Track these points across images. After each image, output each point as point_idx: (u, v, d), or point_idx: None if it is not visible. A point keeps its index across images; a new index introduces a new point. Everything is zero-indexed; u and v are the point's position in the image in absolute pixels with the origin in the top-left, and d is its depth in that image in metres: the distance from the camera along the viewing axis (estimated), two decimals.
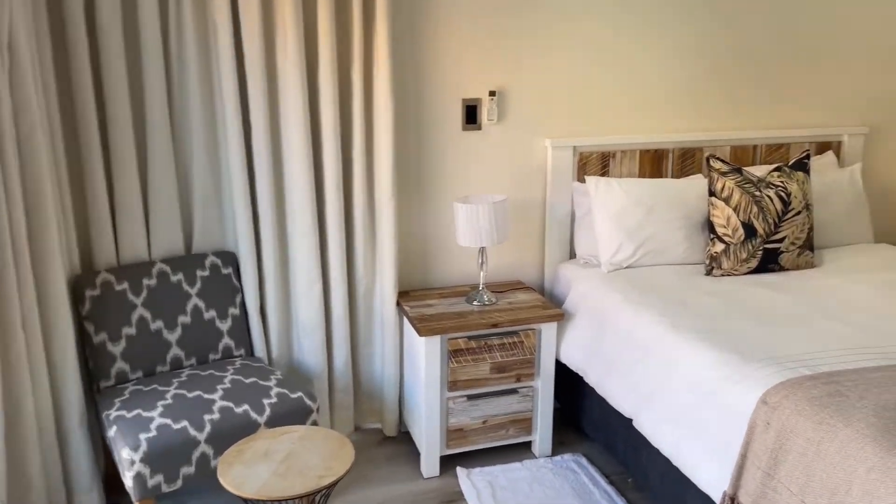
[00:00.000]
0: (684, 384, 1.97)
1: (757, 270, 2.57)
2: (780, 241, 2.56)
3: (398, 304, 2.60)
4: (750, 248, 2.54)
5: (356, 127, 2.46)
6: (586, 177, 2.72)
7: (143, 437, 1.96)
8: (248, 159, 2.40)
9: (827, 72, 3.11)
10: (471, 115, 2.69)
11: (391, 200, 2.52)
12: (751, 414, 1.72)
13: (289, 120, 2.36)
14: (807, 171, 2.68)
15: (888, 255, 2.79)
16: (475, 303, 2.56)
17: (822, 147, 3.13)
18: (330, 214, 2.47)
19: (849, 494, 1.45)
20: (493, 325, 2.42)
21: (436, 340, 2.38)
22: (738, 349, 1.92)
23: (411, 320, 2.44)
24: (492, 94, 2.67)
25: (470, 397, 2.47)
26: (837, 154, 3.17)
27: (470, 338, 2.42)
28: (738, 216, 2.53)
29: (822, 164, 3.03)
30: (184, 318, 2.37)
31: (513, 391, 2.52)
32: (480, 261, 2.56)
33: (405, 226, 2.71)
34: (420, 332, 2.36)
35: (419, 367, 2.45)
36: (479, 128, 2.71)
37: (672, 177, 2.92)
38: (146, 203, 2.35)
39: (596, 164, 2.81)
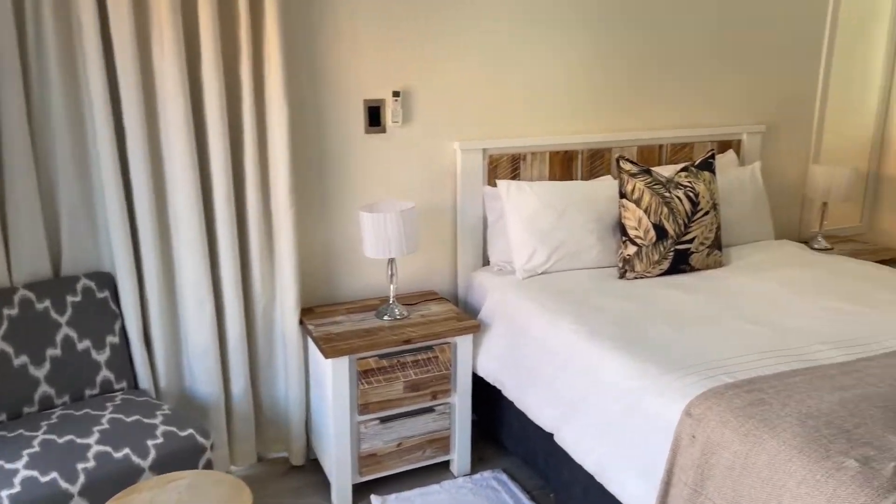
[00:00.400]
0: (606, 396, 1.89)
1: (668, 272, 2.55)
2: (690, 241, 2.55)
3: (301, 322, 2.40)
4: (661, 249, 2.51)
5: (247, 129, 2.24)
6: (497, 180, 2.62)
7: (4, 494, 1.68)
8: (124, 166, 2.14)
9: (727, 72, 3.15)
10: (374, 116, 2.52)
11: (290, 209, 2.32)
12: (675, 426, 1.65)
13: (168, 122, 2.12)
14: (712, 170, 2.68)
15: (790, 251, 2.84)
16: (386, 317, 2.40)
17: (723, 146, 3.18)
18: (220, 225, 2.24)
19: None
20: (405, 342, 2.27)
21: (344, 361, 2.21)
22: (658, 357, 1.86)
23: (316, 341, 2.25)
24: (396, 94, 2.52)
25: (383, 419, 2.31)
26: (737, 152, 3.23)
27: (381, 356, 2.26)
28: (648, 218, 2.50)
29: (723, 163, 3.07)
30: (53, 351, 2.07)
31: (429, 410, 2.37)
32: (390, 272, 2.40)
33: (307, 237, 2.51)
34: (326, 354, 2.17)
35: (326, 390, 2.26)
36: (384, 130, 2.55)
37: (582, 178, 2.87)
38: (4, 220, 2.05)
39: (506, 166, 2.72)
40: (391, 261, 2.39)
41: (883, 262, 3.23)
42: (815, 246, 3.29)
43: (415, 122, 2.59)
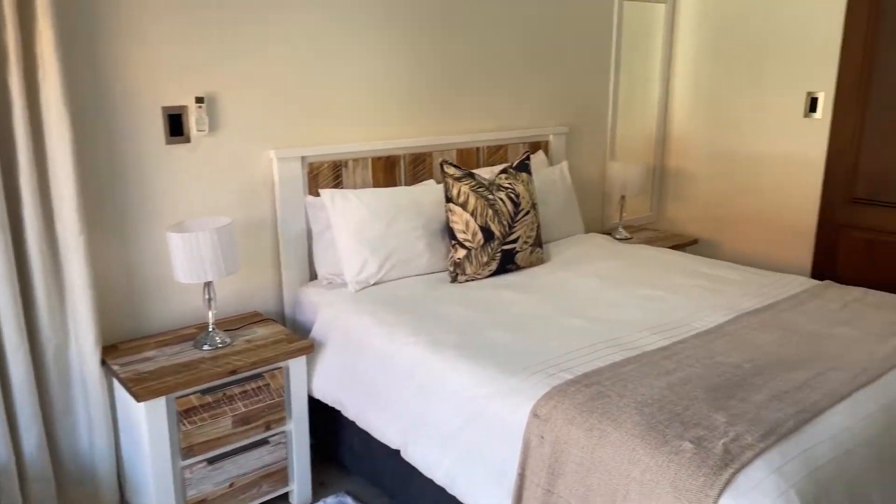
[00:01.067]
0: (452, 406, 1.86)
1: (497, 272, 2.60)
2: (515, 241, 2.61)
3: (104, 362, 2.10)
4: (489, 250, 2.55)
5: (20, 145, 1.90)
6: (321, 190, 2.49)
7: None
8: None
9: (535, 77, 3.30)
10: (175, 125, 2.27)
11: (79, 234, 2.00)
12: (524, 429, 1.66)
13: None
14: (529, 171, 2.78)
15: (599, 242, 3.04)
16: (205, 347, 2.17)
17: (534, 147, 3.32)
18: None
19: (627, 499, 1.44)
20: (230, 373, 2.07)
21: (160, 403, 1.95)
22: (501, 361, 1.86)
23: (124, 382, 1.97)
24: (199, 100, 2.29)
25: (211, 460, 2.08)
26: (546, 153, 3.40)
27: (204, 392, 2.03)
28: (475, 220, 2.52)
29: (535, 164, 3.21)
30: None
31: (262, 442, 2.19)
32: (207, 296, 2.18)
33: (104, 264, 2.19)
34: (138, 397, 1.91)
35: (141, 436, 1.99)
36: (188, 140, 2.31)
37: (405, 184, 2.83)
38: None
39: (328, 174, 2.59)
40: (208, 284, 2.17)
41: (673, 247, 3.59)
42: (617, 236, 3.57)
43: (224, 129, 2.37)
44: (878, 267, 3.12)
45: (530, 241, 2.67)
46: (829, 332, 2.01)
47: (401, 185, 2.81)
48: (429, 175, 2.90)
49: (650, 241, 3.61)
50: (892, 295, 2.31)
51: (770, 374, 1.73)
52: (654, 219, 4.06)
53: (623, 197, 3.61)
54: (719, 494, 1.32)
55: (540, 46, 3.28)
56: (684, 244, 3.67)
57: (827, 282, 2.48)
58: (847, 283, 3.22)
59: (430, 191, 2.67)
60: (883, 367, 1.77)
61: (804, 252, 3.41)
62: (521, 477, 1.65)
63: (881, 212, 3.09)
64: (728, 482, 1.34)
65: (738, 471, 1.36)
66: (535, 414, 1.65)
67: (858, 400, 1.62)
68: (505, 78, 3.18)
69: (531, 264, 2.70)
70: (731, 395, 1.62)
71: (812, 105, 3.28)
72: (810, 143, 3.31)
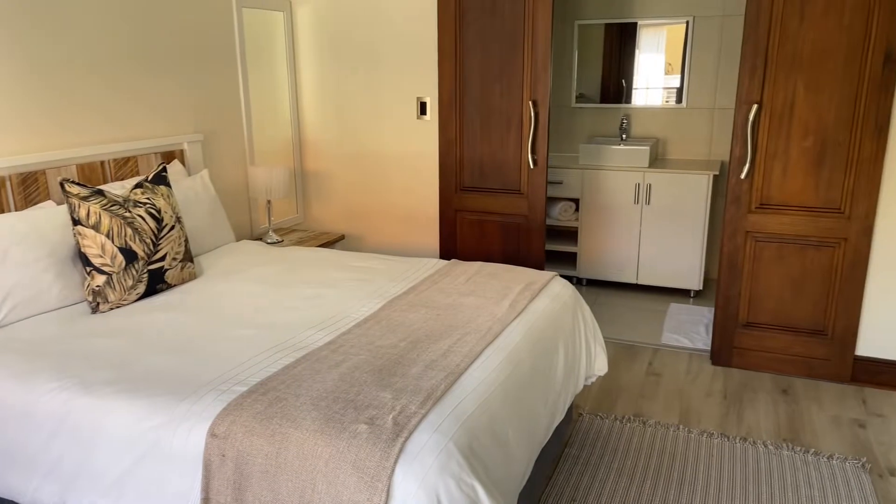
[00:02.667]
0: (117, 447, 1.70)
1: (147, 294, 2.42)
2: (162, 259, 2.47)
3: None
4: (134, 273, 2.36)
5: None
6: None
7: None
8: None
9: (162, 82, 3.11)
10: None
11: None
12: (203, 452, 1.61)
13: None
14: (168, 183, 2.64)
15: (251, 249, 3.05)
16: None
17: (168, 157, 3.15)
18: None
19: (316, 492, 1.52)
20: None
21: None
22: (166, 388, 1.77)
23: None
24: None
25: None
26: (182, 162, 3.25)
27: None
28: (113, 242, 2.31)
29: (172, 175, 3.05)
30: None
31: None
32: None
33: None
34: None
35: None
36: None
37: (17, 209, 2.44)
38: None
39: None
40: None
41: (322, 245, 3.77)
42: (269, 241, 3.61)
43: None
44: (487, 240, 3.75)
45: (179, 256, 2.55)
46: (460, 302, 2.37)
47: (10, 210, 2.41)
48: (46, 196, 2.55)
49: (301, 242, 3.73)
50: (500, 265, 2.81)
51: (422, 348, 1.97)
52: (301, 220, 4.20)
53: (269, 201, 3.65)
54: (395, 463, 1.49)
55: (160, 51, 3.11)
56: (333, 241, 3.88)
57: (453, 260, 2.90)
58: (467, 257, 3.79)
59: (51, 214, 2.35)
60: (502, 325, 2.17)
61: (432, 236, 3.91)
62: (206, 501, 1.60)
63: (483, 196, 3.70)
64: (401, 450, 1.51)
65: (407, 438, 1.54)
66: (212, 434, 1.62)
67: (488, 355, 1.96)
68: (124, 81, 2.94)
69: (184, 280, 2.58)
70: (394, 372, 1.82)
71: (422, 109, 3.76)
72: (426, 141, 3.79)
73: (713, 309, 3.47)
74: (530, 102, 3.47)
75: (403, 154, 3.87)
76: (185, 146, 3.27)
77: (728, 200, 3.25)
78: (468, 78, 3.59)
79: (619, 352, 3.60)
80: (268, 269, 2.77)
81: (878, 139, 2.95)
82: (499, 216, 3.70)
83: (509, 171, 3.63)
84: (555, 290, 2.55)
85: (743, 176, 3.17)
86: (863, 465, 2.55)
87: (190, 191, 2.99)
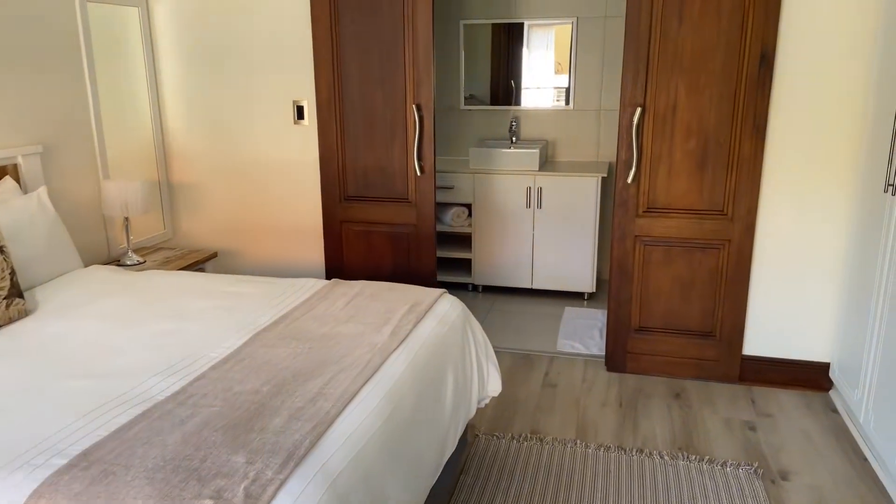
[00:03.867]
0: None
1: None
2: None
3: None
4: None
5: None
6: None
7: None
8: None
9: None
10: None
11: None
12: None
13: None
14: None
15: (102, 276, 2.68)
16: None
17: None
18: None
19: None
20: None
21: None
22: None
23: None
24: None
25: None
26: (17, 179, 2.83)
27: None
28: None
29: (1, 194, 2.64)
30: None
31: None
32: None
33: None
34: None
35: None
36: None
37: None
38: None
39: None
40: None
41: (192, 265, 3.42)
42: (128, 262, 3.23)
43: None
44: (375, 253, 3.53)
45: (4, 292, 2.17)
46: (337, 331, 2.14)
47: None
48: None
49: (167, 262, 3.37)
50: (384, 283, 2.60)
51: (287, 392, 1.73)
52: (169, 236, 3.82)
53: (127, 219, 3.27)
54: None
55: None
56: (204, 259, 3.53)
57: (334, 280, 2.66)
58: (355, 272, 3.55)
59: None
60: (382, 356, 1.96)
61: (317, 250, 3.64)
62: None
63: (369, 206, 3.48)
64: None
65: None
66: None
67: (365, 395, 1.74)
68: None
69: (10, 320, 2.21)
70: (251, 427, 1.57)
71: (300, 113, 3.49)
72: (305, 148, 3.52)
73: (606, 311, 3.43)
74: (414, 106, 3.28)
75: (282, 162, 3.58)
76: (20, 160, 2.85)
77: (616, 204, 3.19)
78: (347, 80, 3.35)
79: (516, 362, 3.48)
80: (115, 301, 2.42)
81: (757, 138, 2.97)
82: (387, 227, 3.49)
83: (396, 178, 3.42)
84: (442, 310, 2.37)
85: (629, 180, 3.11)
86: (755, 471, 2.53)
87: (23, 212, 2.59)
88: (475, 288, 4.60)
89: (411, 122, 3.32)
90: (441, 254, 4.54)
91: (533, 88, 4.61)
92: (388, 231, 3.49)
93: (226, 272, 3.81)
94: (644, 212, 3.17)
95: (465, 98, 4.71)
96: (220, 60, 3.53)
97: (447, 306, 2.41)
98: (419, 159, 3.34)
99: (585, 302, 4.37)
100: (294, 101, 3.48)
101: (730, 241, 3.10)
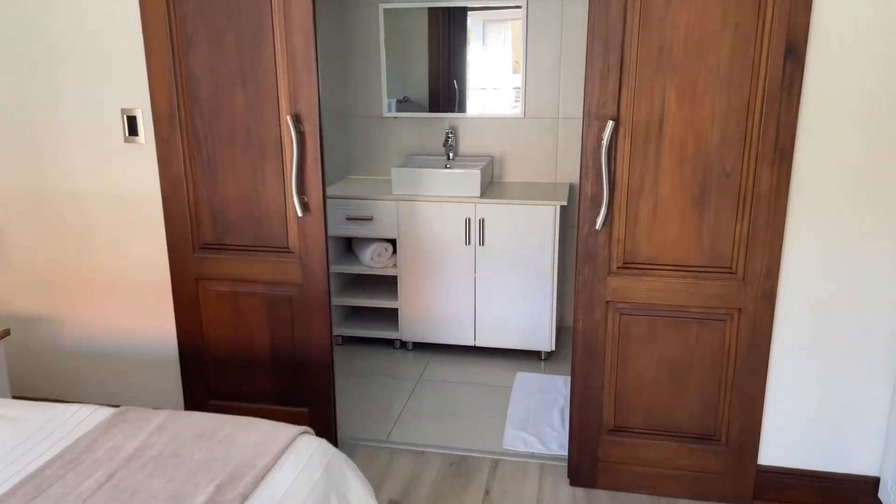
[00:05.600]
0: None
1: None
2: None
3: None
4: None
5: None
6: None
7: None
8: None
9: None
10: None
11: None
12: None
13: None
14: None
15: None
16: None
17: None
18: None
19: None
20: None
21: None
22: None
23: None
24: None
25: None
26: None
27: None
28: None
29: None
30: None
31: None
32: None
33: None
34: None
35: None
36: None
37: None
38: None
39: None
40: None
41: None
42: None
43: None
44: (246, 322, 2.52)
45: None
46: None
47: None
48: None
49: None
50: (203, 417, 1.60)
51: None
52: None
53: None
54: None
55: None
56: None
57: (123, 408, 1.65)
58: (221, 348, 2.54)
59: None
60: None
61: (165, 316, 2.61)
62: None
63: (235, 258, 2.47)
64: None
65: None
66: None
67: None
68: None
69: None
70: None
71: (132, 126, 2.45)
72: (141, 175, 2.49)
73: (569, 380, 2.48)
74: (290, 118, 2.28)
75: (109, 194, 2.55)
76: None
77: (580, 257, 2.24)
78: (196, 80, 2.33)
79: (446, 473, 2.50)
80: None
81: (780, 166, 2.05)
82: (262, 286, 2.48)
83: (270, 219, 2.42)
84: (289, 473, 1.38)
85: (598, 225, 2.17)
86: None
87: None
88: (403, 345, 3.62)
89: (288, 140, 2.32)
90: (360, 302, 3.54)
91: (482, 90, 3.64)
92: (263, 293, 2.48)
93: (27, 355, 2.75)
94: (619, 268, 2.22)
95: (398, 102, 3.72)
96: (14, 56, 2.47)
97: (300, 465, 1.42)
98: (300, 192, 2.34)
99: (543, 363, 3.43)
100: (123, 111, 2.44)
101: (740, 310, 2.18)
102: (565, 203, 3.20)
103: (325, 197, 2.36)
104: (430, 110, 3.70)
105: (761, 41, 1.98)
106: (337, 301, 3.55)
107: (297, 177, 2.32)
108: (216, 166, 2.40)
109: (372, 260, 3.47)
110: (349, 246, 3.74)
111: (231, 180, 2.40)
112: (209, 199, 2.44)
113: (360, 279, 3.77)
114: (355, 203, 3.39)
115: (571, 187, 3.56)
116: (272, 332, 2.51)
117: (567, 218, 3.59)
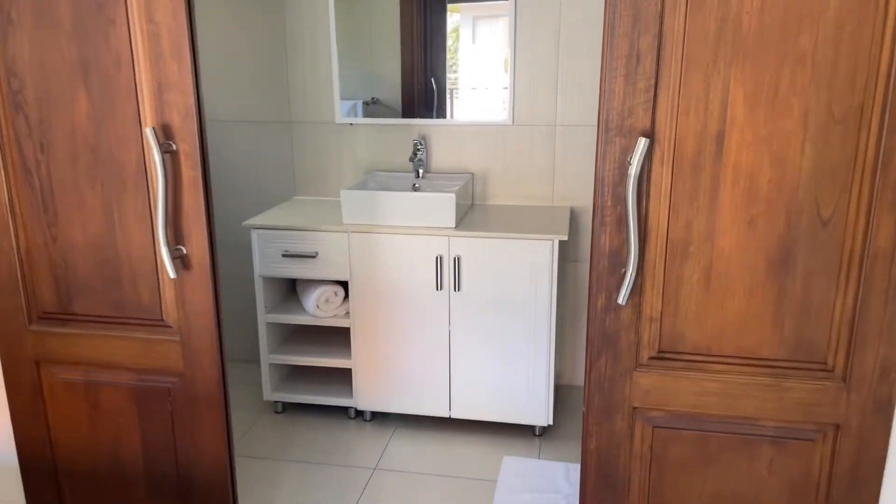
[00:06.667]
0: None
1: None
2: None
3: None
4: None
5: None
6: None
7: None
8: None
9: None
10: None
11: None
12: None
13: None
14: None
15: None
16: None
17: None
18: None
19: None
20: None
21: None
22: None
23: None
24: None
25: None
26: None
27: None
28: None
29: None
30: None
31: None
32: None
33: None
34: None
35: None
36: None
37: None
38: None
39: None
40: None
41: None
42: None
43: None
44: (110, 424, 1.75)
45: None
46: None
47: None
48: None
49: None
50: None
51: None
52: None
53: None
54: None
55: None
56: None
57: None
58: (76, 457, 1.77)
59: None
60: None
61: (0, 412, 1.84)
62: None
63: (91, 333, 1.69)
64: None
65: None
66: None
67: None
68: None
69: None
70: None
71: None
72: None
73: (573, 470, 1.71)
74: (150, 132, 1.51)
75: None
76: None
77: (592, 342, 1.48)
78: (18, 77, 1.56)
79: None
80: None
81: None
82: (128, 374, 1.71)
83: (135, 278, 1.65)
84: None
85: (623, 298, 1.40)
86: None
87: None
88: (360, 414, 2.85)
89: (152, 165, 1.56)
90: (301, 360, 2.78)
91: (472, 90, 2.88)
92: (129, 384, 1.71)
93: None
94: (653, 359, 1.47)
95: (365, 104, 2.95)
96: None
97: None
98: (175, 241, 1.57)
99: (538, 440, 2.67)
100: None
101: (839, 426, 1.42)
102: (565, 237, 2.44)
103: (213, 247, 1.59)
104: (404, 114, 2.93)
105: (885, 14, 1.23)
106: (275, 358, 2.78)
107: (168, 218, 1.55)
108: (55, 202, 1.63)
109: (318, 308, 2.70)
110: (293, 287, 2.98)
111: (76, 222, 1.63)
112: (46, 249, 1.66)
113: (304, 331, 2.99)
114: (295, 235, 2.62)
115: (573, 212, 2.80)
116: (145, 438, 1.74)
117: (567, 251, 2.84)
